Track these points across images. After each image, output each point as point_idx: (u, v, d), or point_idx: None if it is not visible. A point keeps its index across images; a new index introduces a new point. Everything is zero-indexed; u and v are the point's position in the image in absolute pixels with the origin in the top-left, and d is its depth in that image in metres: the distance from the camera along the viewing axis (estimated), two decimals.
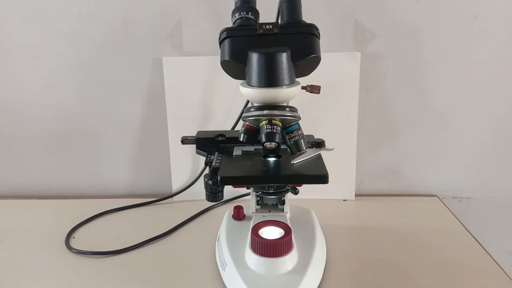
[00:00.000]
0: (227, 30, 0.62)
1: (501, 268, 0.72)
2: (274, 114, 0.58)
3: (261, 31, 0.61)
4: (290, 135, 0.60)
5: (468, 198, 1.04)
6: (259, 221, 0.68)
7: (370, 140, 0.98)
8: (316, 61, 0.62)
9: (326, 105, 0.92)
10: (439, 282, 0.68)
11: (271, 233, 0.66)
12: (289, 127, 0.60)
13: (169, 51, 0.93)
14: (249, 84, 0.60)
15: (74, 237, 0.84)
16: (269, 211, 0.75)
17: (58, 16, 0.92)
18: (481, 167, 1.00)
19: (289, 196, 0.73)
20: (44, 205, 1.00)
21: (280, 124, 0.59)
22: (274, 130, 0.58)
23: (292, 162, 0.64)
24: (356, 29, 0.91)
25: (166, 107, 0.95)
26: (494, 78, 0.93)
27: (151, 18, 0.92)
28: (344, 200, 0.98)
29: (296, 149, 0.60)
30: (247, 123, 0.62)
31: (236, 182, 0.64)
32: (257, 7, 0.67)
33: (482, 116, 0.96)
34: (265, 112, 0.59)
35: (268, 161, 0.66)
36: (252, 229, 0.66)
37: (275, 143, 0.58)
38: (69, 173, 1.04)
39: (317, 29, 0.62)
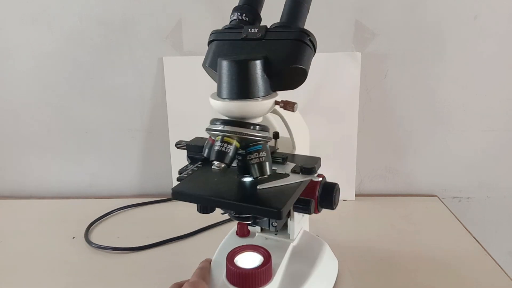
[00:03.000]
0: (214, 33, 0.57)
1: (501, 268, 0.72)
2: (228, 131, 0.51)
3: (245, 35, 0.54)
4: (249, 156, 0.52)
5: (468, 198, 1.04)
6: (236, 246, 0.59)
7: (370, 140, 0.98)
8: (299, 72, 0.52)
9: (326, 105, 0.92)
10: (439, 282, 0.68)
11: (250, 260, 0.57)
12: (250, 147, 0.52)
13: (169, 51, 0.93)
14: (217, 94, 0.54)
15: (74, 237, 0.84)
16: (276, 234, 0.66)
17: (58, 16, 0.92)
18: (481, 167, 1.00)
19: (304, 219, 0.66)
20: (44, 205, 1.00)
21: (234, 142, 0.51)
22: (224, 149, 0.50)
23: (258, 187, 0.54)
24: (356, 29, 0.91)
25: (167, 107, 0.95)
26: (494, 78, 0.93)
27: (151, 18, 0.92)
28: (344, 200, 0.98)
29: (259, 172, 0.52)
30: (210, 136, 0.54)
31: (186, 199, 0.56)
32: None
33: (482, 116, 0.96)
34: (220, 127, 0.51)
35: (237, 182, 0.57)
36: (228, 255, 0.57)
37: (224, 164, 0.50)
38: (69, 173, 1.04)
39: (309, 35, 0.53)
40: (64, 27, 0.93)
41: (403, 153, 1.00)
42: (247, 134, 0.51)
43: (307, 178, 0.57)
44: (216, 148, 0.51)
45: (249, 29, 0.54)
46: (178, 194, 0.55)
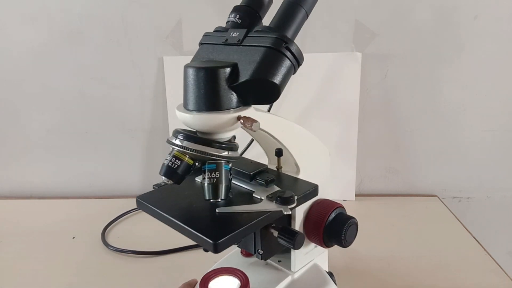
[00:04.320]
0: (205, 35, 0.54)
1: (501, 268, 0.72)
2: (177, 145, 0.47)
3: (225, 40, 0.50)
4: (203, 175, 0.47)
5: (468, 198, 1.04)
6: (211, 269, 0.53)
7: (370, 140, 0.98)
8: (268, 86, 0.45)
9: (326, 105, 0.92)
10: (439, 282, 0.68)
11: (225, 285, 0.51)
12: (205, 166, 0.47)
13: (169, 51, 0.93)
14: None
15: (74, 237, 0.84)
16: (279, 261, 0.58)
17: (58, 16, 0.92)
18: (481, 167, 1.01)
19: (317, 250, 0.59)
20: (44, 205, 1.00)
21: (185, 158, 0.47)
22: (172, 165, 0.47)
23: (217, 210, 0.48)
24: (356, 29, 0.91)
25: (167, 107, 0.95)
26: (494, 78, 0.93)
27: (151, 18, 0.92)
28: (344, 200, 0.98)
29: (212, 195, 0.47)
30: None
31: (146, 211, 0.51)
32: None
33: (482, 116, 0.96)
34: (172, 139, 0.48)
35: (206, 200, 0.49)
36: (201, 280, 0.51)
37: (172, 182, 0.47)
38: (69, 173, 1.04)
39: (286, 42, 0.46)
40: (64, 27, 0.93)
41: (403, 153, 1.00)
42: (197, 150, 0.46)
43: (278, 209, 0.47)
44: (165, 162, 0.47)
45: (231, 33, 0.50)
46: (140, 204, 0.51)
